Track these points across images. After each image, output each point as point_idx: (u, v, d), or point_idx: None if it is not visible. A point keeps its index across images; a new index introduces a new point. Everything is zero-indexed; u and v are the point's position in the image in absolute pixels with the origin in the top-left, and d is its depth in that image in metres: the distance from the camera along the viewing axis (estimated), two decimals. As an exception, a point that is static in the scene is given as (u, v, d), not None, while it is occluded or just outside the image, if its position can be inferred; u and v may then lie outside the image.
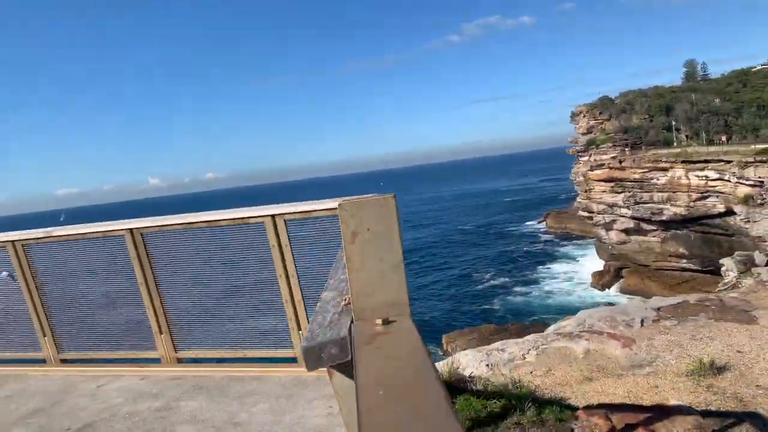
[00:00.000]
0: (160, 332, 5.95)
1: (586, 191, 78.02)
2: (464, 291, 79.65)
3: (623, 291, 69.71)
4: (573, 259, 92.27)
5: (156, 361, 6.02)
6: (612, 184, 70.39)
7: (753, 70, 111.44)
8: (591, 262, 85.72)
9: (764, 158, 49.62)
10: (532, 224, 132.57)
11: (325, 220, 5.25)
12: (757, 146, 52.80)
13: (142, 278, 5.89)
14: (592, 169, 73.39)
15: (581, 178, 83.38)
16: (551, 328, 7.53)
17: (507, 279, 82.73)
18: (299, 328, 5.48)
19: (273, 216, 5.38)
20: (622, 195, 69.05)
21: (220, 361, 6.03)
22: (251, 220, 5.48)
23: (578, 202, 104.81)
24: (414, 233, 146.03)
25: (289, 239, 5.38)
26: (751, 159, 51.02)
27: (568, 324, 7.75)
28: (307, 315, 5.50)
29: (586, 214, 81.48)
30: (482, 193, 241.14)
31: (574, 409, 6.53)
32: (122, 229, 5.96)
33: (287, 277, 5.47)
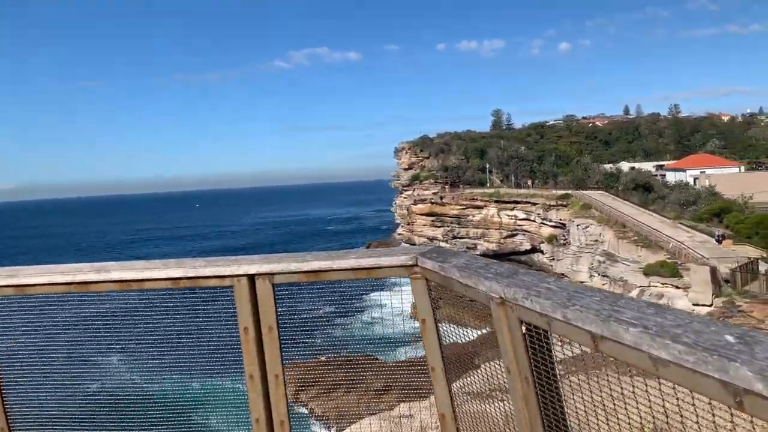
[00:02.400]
0: None
1: (408, 224, 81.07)
2: (286, 320, 77.44)
3: (439, 321, 72.98)
4: (392, 288, 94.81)
5: None
6: (433, 218, 73.97)
7: (548, 123, 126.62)
8: (408, 293, 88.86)
9: (564, 203, 55.46)
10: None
11: (346, 286, 3.50)
12: (558, 192, 58.99)
13: None
14: (415, 203, 76.54)
15: (404, 211, 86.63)
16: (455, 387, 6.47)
17: (329, 309, 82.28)
18: None
19: (251, 276, 3.36)
20: (442, 229, 72.83)
21: None
22: (207, 282, 3.42)
23: (399, 234, 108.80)
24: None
25: (277, 319, 3.37)
26: (553, 203, 56.75)
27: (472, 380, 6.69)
28: None
29: (407, 245, 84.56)
30: (307, 221, 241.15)
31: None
32: None
33: (264, 380, 3.42)
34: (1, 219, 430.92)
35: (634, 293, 28.03)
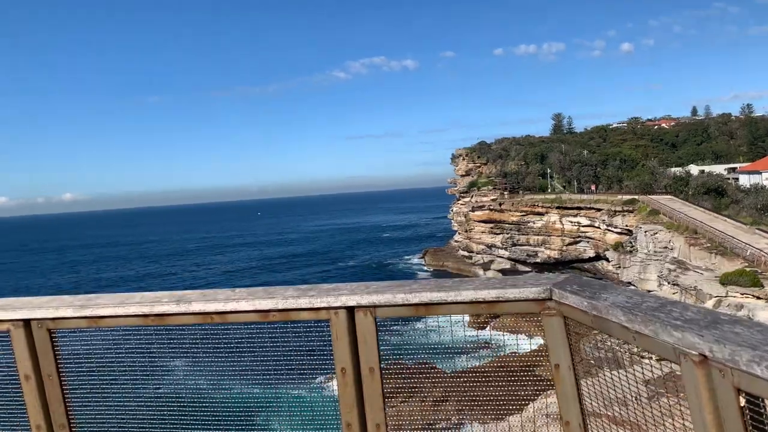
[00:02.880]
0: None
1: (466, 231, 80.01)
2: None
3: (495, 330, 71.54)
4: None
5: None
6: (491, 225, 72.68)
7: (611, 127, 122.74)
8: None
9: (630, 208, 53.33)
10: (411, 260, 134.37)
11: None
12: (623, 197, 56.81)
13: None
14: (473, 209, 75.47)
15: (462, 218, 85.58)
16: (534, 407, 5.99)
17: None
18: None
19: (351, 308, 2.95)
20: (501, 236, 71.43)
21: None
22: (299, 316, 3.00)
23: (457, 241, 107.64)
24: (295, 268, 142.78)
25: (380, 359, 2.96)
26: (618, 208, 54.67)
27: (554, 402, 6.16)
28: None
29: (465, 253, 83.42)
30: (363, 228, 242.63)
31: None
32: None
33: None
34: (69, 229, 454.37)
35: (709, 304, 26.33)
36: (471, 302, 2.75)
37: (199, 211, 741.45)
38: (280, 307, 2.98)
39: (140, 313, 3.24)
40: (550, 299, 2.63)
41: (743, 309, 25.22)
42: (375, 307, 2.87)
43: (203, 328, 3.44)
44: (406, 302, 2.83)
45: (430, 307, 2.83)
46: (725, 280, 27.35)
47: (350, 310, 2.91)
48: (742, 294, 25.89)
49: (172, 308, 3.20)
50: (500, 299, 2.70)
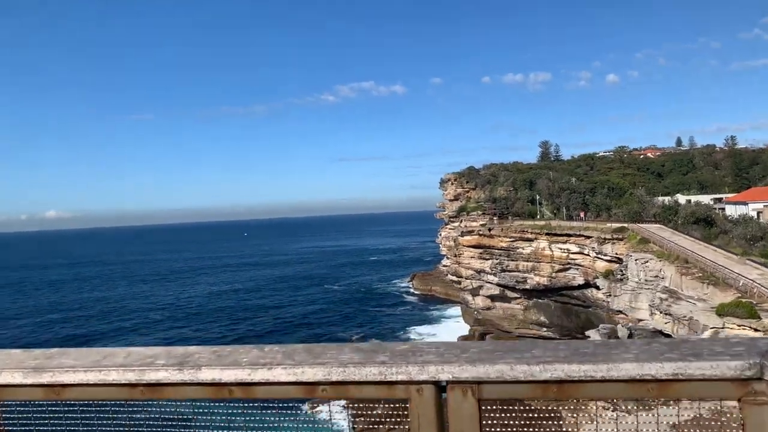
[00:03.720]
0: None
1: (455, 255, 79.86)
2: (330, 351, 76.84)
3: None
4: (438, 321, 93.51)
5: None
6: (481, 250, 72.63)
7: (597, 155, 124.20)
8: (456, 325, 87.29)
9: (620, 236, 53.56)
10: (398, 284, 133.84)
11: None
12: (613, 225, 57.08)
13: None
14: (462, 234, 75.46)
15: (451, 243, 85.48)
16: None
17: (375, 340, 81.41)
18: None
19: (441, 384, 2.03)
20: (490, 262, 71.35)
21: None
22: (362, 391, 2.10)
23: (445, 266, 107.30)
24: (280, 292, 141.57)
25: None
26: (608, 236, 54.88)
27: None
28: None
29: (454, 278, 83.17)
30: (350, 251, 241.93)
31: None
32: None
33: None
34: (52, 246, 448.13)
35: (706, 335, 26.25)
36: (632, 380, 1.86)
37: (185, 230, 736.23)
38: (335, 378, 2.05)
39: (124, 381, 2.21)
40: (761, 379, 1.78)
41: (741, 341, 25.08)
42: (479, 383, 1.93)
43: (217, 407, 2.32)
44: (531, 378, 1.89)
45: (566, 386, 1.90)
46: (722, 311, 27.34)
47: (441, 387, 1.99)
48: (739, 326, 25.85)
49: (172, 375, 2.18)
50: (679, 377, 1.83)
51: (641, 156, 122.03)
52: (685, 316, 32.13)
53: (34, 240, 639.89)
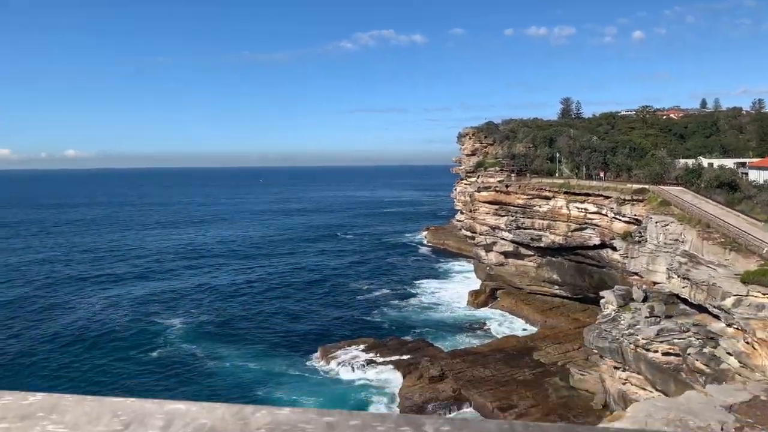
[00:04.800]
0: None
1: (471, 211, 79.41)
2: (342, 301, 77.91)
3: (496, 310, 71.55)
4: (451, 275, 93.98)
5: None
6: (497, 206, 72.09)
7: (619, 114, 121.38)
8: (467, 280, 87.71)
9: (640, 197, 52.68)
10: (411, 237, 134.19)
11: None
12: (633, 186, 56.07)
13: None
14: (479, 190, 74.79)
15: (467, 198, 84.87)
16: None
17: (386, 291, 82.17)
18: None
19: None
20: (505, 218, 70.89)
21: None
22: None
23: (460, 221, 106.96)
24: (294, 239, 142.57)
25: None
26: (628, 197, 54.00)
27: (621, 428, 5.61)
28: None
29: (468, 233, 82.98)
30: (365, 202, 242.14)
31: None
32: None
33: None
34: (73, 185, 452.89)
35: (728, 302, 25.90)
36: None
37: (201, 174, 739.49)
38: None
39: None
40: None
41: (764, 310, 24.81)
42: None
43: None
44: None
45: None
46: (747, 278, 26.86)
47: None
48: (764, 294, 25.43)
49: None
50: None
51: (664, 117, 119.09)
52: (704, 282, 31.77)
53: (53, 178, 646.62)
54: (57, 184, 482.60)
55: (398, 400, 46.71)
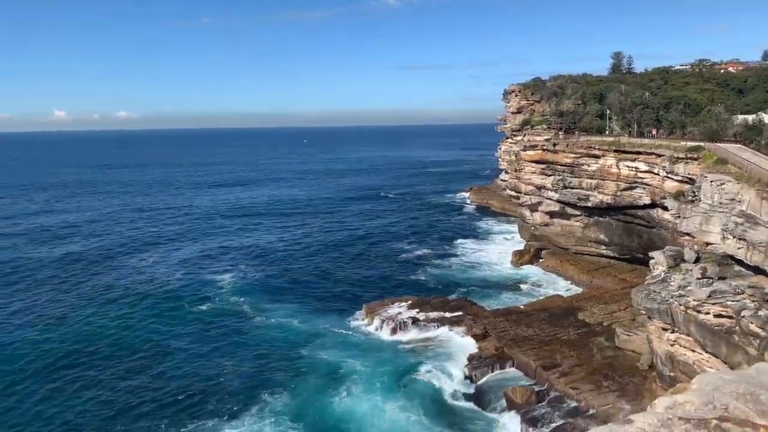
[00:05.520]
0: None
1: (516, 170, 78.06)
2: (385, 259, 78.47)
3: (540, 270, 70.89)
4: (494, 235, 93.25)
5: None
6: (543, 166, 70.54)
7: (673, 69, 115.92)
8: (510, 240, 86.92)
9: (695, 156, 50.60)
10: (454, 197, 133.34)
11: None
12: (688, 143, 53.82)
13: None
14: (525, 149, 73.22)
15: (512, 157, 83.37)
16: (663, 405, 5.08)
17: (428, 250, 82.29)
18: None
19: None
20: (552, 178, 69.40)
21: None
22: None
23: (504, 181, 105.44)
24: (337, 199, 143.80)
25: None
26: (681, 155, 51.93)
27: (687, 400, 5.32)
28: None
29: (513, 193, 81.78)
30: (407, 162, 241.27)
31: None
32: None
33: None
34: (132, 146, 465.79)
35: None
36: None
37: (248, 135, 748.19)
38: None
39: None
40: None
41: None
42: None
43: None
44: None
45: None
46: (810, 240, 25.71)
47: None
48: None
49: None
50: None
51: (722, 71, 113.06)
52: (762, 243, 30.53)
53: (105, 139, 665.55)
54: (114, 145, 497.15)
55: (446, 358, 47.00)
